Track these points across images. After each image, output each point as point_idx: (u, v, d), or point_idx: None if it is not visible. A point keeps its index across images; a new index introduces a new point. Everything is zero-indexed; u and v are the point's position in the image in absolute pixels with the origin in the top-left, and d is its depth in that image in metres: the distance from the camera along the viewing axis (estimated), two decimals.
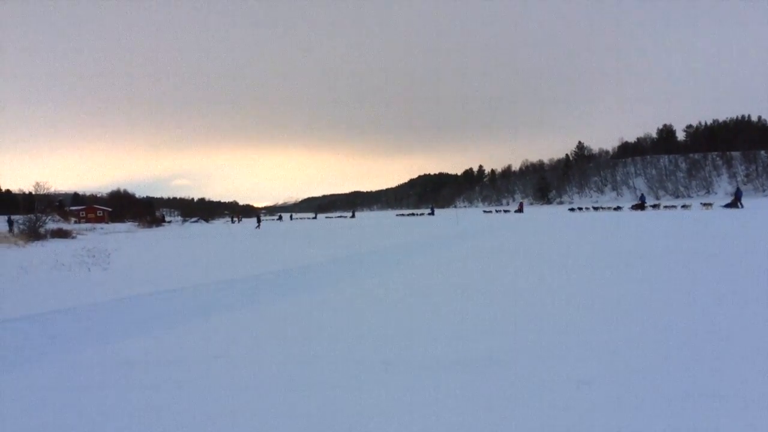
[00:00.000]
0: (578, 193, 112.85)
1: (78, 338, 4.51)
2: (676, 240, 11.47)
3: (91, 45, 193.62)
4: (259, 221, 40.15)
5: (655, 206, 36.38)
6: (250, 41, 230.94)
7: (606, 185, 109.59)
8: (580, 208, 41.71)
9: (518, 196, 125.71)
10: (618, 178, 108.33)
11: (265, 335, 4.28)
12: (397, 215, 57.92)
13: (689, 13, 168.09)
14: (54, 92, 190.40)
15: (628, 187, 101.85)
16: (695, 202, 37.76)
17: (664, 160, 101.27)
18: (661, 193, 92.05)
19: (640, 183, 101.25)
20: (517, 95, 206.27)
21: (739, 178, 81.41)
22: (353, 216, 60.39)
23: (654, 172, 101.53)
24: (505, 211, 49.20)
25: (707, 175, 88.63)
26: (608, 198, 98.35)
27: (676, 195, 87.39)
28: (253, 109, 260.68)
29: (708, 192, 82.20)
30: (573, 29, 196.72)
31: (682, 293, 5.23)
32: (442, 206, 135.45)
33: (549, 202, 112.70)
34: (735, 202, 29.54)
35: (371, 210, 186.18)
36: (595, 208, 39.38)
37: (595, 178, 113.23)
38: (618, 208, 38.23)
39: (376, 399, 2.77)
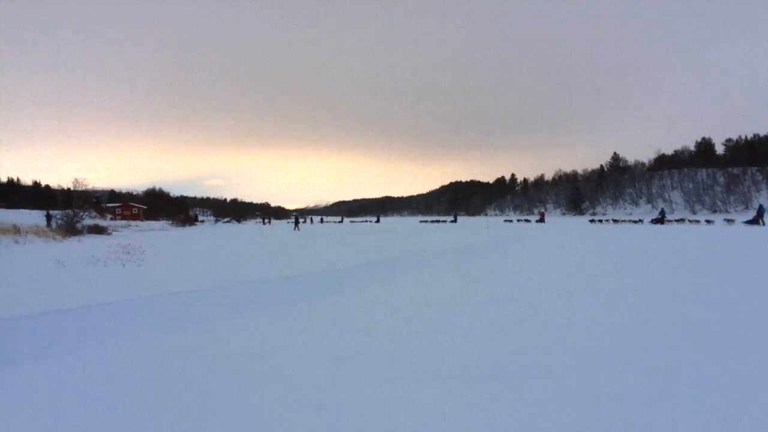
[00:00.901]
0: (612, 204, 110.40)
1: (110, 333, 4.63)
2: (662, 258, 11.95)
3: (130, 46, 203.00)
4: (297, 223, 40.38)
5: (679, 220, 36.02)
6: (285, 43, 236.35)
7: (641, 197, 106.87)
8: (600, 220, 41.66)
9: (550, 207, 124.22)
10: (653, 190, 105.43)
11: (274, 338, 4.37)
12: (420, 221, 58.73)
13: (730, 25, 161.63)
14: (94, 91, 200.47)
15: (664, 200, 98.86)
16: (726, 218, 37.00)
17: (702, 173, 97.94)
18: (698, 207, 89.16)
19: (677, 196, 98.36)
20: (552, 104, 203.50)
21: None
22: (378, 221, 61.67)
23: (691, 185, 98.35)
24: (526, 221, 49.27)
25: (746, 190, 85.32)
26: (643, 210, 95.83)
27: (714, 210, 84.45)
28: (287, 112, 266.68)
29: (747, 207, 79.13)
30: (611, 40, 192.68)
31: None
32: (473, 214, 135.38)
33: (582, 213, 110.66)
34: (757, 219, 29.13)
35: (401, 215, 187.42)
36: (615, 221, 39.23)
37: (630, 190, 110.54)
38: (639, 221, 38.00)
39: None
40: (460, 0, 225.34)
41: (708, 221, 34.26)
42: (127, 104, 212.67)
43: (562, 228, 31.60)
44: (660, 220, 34.17)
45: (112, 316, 5.39)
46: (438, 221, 56.36)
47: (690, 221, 35.42)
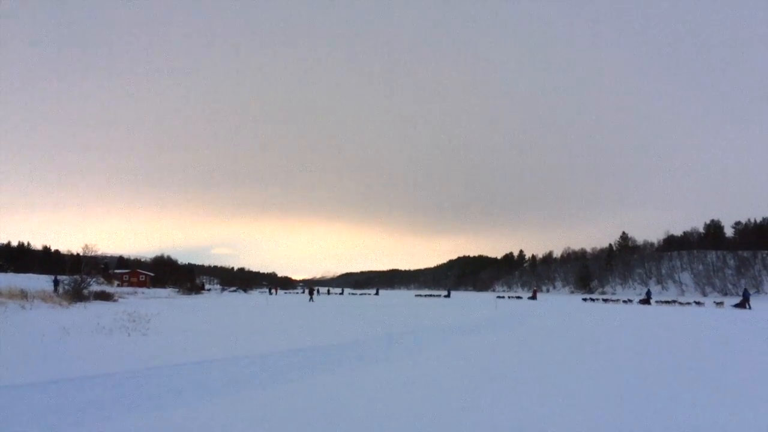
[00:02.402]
0: (621, 284, 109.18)
1: (114, 406, 4.58)
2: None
3: (142, 118, 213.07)
4: (311, 294, 40.95)
5: (669, 302, 36.12)
6: (294, 115, 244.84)
7: (650, 278, 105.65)
8: (592, 299, 42.00)
9: (559, 284, 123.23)
10: (663, 271, 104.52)
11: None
12: (415, 295, 59.63)
13: (742, 109, 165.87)
14: (107, 161, 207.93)
15: (674, 282, 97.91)
16: (716, 300, 37.00)
17: (712, 256, 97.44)
18: (708, 289, 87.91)
19: (687, 278, 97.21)
20: (560, 182, 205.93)
21: None
22: (377, 293, 62.39)
23: (701, 267, 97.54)
24: (518, 298, 49.63)
25: (756, 273, 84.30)
26: (653, 291, 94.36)
27: (724, 292, 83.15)
28: (295, 183, 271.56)
29: (758, 291, 77.82)
30: (623, 120, 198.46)
31: None
32: (481, 289, 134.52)
33: (591, 291, 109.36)
34: (743, 303, 29.67)
35: (408, 288, 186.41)
36: (605, 300, 39.67)
37: (639, 270, 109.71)
38: (628, 301, 38.34)
39: None
40: (468, 79, 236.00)
41: (697, 303, 34.52)
42: (138, 173, 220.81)
43: (550, 307, 31.75)
44: (647, 300, 34.94)
45: (114, 388, 5.34)
46: (431, 296, 57.69)
47: (680, 303, 35.53)
